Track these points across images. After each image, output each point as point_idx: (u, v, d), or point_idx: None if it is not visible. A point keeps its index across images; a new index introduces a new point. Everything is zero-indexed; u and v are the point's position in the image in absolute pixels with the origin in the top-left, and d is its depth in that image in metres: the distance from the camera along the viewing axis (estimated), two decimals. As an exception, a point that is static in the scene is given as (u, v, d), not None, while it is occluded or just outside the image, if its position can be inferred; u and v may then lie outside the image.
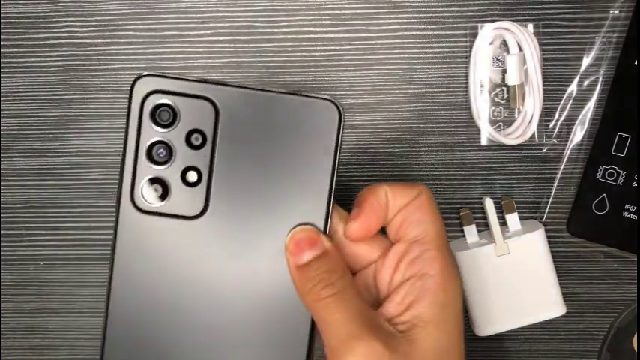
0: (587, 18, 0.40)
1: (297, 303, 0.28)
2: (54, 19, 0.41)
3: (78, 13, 0.41)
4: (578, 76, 0.40)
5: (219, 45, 0.41)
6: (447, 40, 0.40)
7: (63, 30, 0.41)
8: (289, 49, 0.41)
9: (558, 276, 0.40)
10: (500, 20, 0.39)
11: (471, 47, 0.40)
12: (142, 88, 0.28)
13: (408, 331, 0.28)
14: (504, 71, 0.40)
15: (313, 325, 0.29)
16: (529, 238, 0.40)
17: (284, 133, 0.28)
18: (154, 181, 0.28)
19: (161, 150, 0.28)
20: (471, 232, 0.41)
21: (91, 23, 0.41)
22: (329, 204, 0.28)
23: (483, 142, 0.40)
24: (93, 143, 0.42)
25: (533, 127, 0.40)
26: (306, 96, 0.28)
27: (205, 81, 0.28)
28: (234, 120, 0.28)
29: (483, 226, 0.42)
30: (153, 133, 0.28)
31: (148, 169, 0.28)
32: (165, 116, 0.28)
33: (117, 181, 0.29)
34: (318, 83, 0.41)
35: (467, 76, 0.40)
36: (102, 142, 0.42)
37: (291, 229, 0.28)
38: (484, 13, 0.40)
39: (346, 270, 0.28)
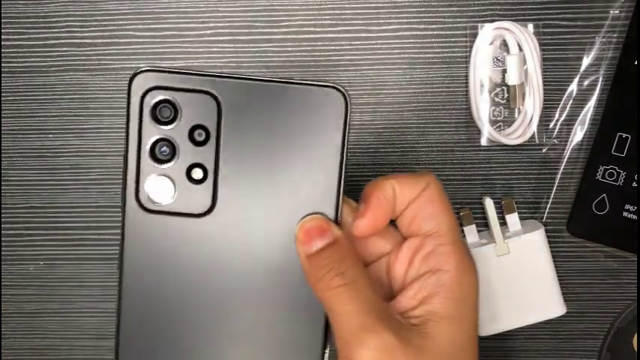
0: (587, 18, 0.40)
1: (311, 296, 0.28)
2: (54, 19, 0.41)
3: (78, 13, 0.41)
4: (578, 76, 0.40)
5: (219, 45, 0.41)
6: (447, 40, 0.40)
7: (63, 30, 0.41)
8: (289, 49, 0.41)
9: (558, 276, 0.40)
10: (501, 20, 0.39)
11: (471, 47, 0.40)
12: (140, 85, 0.27)
13: (422, 325, 0.27)
14: (504, 71, 0.40)
15: (327, 319, 0.28)
16: (529, 238, 0.40)
17: (288, 123, 0.27)
18: (158, 179, 0.27)
19: (164, 148, 0.27)
20: (471, 232, 0.41)
21: (91, 23, 0.41)
22: (339, 193, 0.28)
23: (483, 142, 0.40)
24: (93, 143, 0.42)
25: (534, 127, 0.40)
26: (309, 84, 0.27)
27: (205, 74, 0.27)
28: (237, 113, 0.27)
29: (483, 226, 0.42)
30: (154, 131, 0.27)
31: (152, 168, 0.27)
32: (166, 113, 0.27)
33: (118, 181, 0.29)
34: (318, 83, 0.41)
35: (467, 76, 0.40)
36: (102, 142, 0.42)
37: (300, 219, 0.28)
38: (484, 13, 0.40)
39: (357, 260, 0.28)
